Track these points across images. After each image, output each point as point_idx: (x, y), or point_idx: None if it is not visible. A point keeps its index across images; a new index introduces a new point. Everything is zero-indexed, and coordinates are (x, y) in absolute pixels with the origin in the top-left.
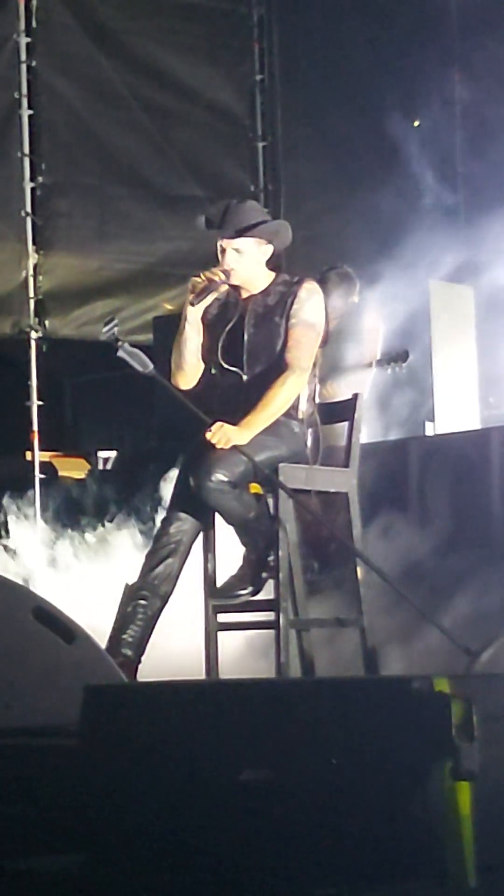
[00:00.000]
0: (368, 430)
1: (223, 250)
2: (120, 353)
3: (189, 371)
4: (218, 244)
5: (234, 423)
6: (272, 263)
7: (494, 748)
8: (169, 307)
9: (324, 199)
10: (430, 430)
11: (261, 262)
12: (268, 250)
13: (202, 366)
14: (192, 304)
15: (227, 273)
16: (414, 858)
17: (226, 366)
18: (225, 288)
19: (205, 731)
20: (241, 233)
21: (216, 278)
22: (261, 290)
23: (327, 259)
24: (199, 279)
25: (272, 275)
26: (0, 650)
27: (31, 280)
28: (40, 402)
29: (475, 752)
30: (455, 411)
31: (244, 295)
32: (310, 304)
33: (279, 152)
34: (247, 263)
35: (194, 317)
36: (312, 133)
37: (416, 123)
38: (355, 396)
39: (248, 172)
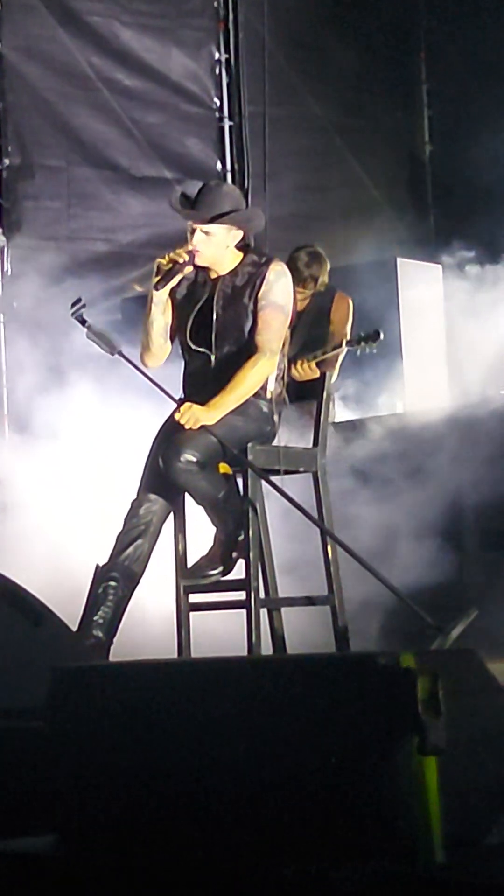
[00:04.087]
0: (340, 409)
1: (192, 230)
2: (87, 334)
3: (156, 351)
4: (188, 223)
5: (203, 404)
6: (241, 244)
7: (461, 723)
8: (138, 288)
9: (291, 180)
10: (399, 408)
11: (229, 245)
12: (237, 235)
13: (169, 346)
14: (157, 289)
15: (192, 254)
16: (381, 834)
17: (194, 347)
18: (190, 269)
19: (171, 710)
20: (214, 220)
21: (180, 259)
22: (228, 270)
23: (296, 239)
24: (163, 260)
25: (240, 255)
26: None
27: None
28: (9, 386)
29: (441, 728)
30: (424, 390)
31: (213, 275)
32: (278, 285)
33: (246, 132)
34: (214, 246)
35: (160, 298)
36: (279, 113)
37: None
38: (323, 376)
39: (215, 153)
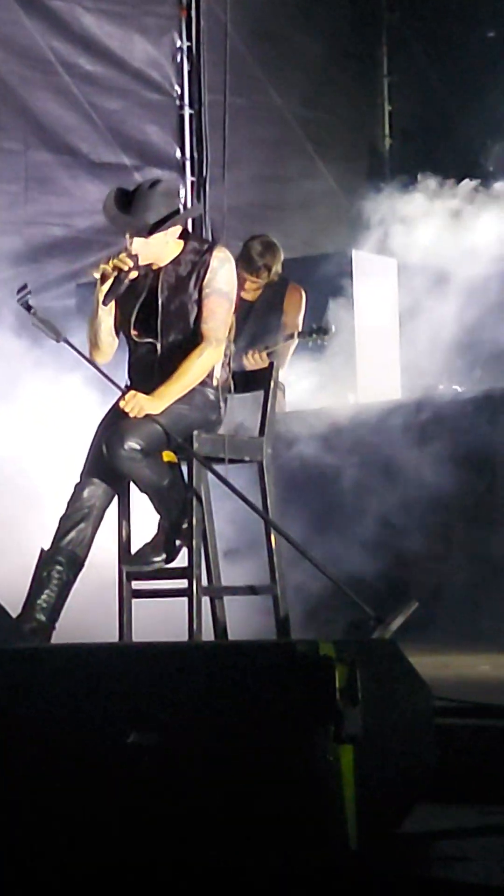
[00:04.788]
0: (291, 400)
1: (131, 239)
2: (32, 321)
3: (104, 349)
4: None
5: (149, 392)
6: (180, 233)
7: (378, 713)
8: (95, 275)
9: (250, 169)
10: (351, 400)
11: (168, 241)
12: (176, 230)
13: (116, 341)
14: (105, 303)
15: (135, 258)
16: (296, 822)
17: (139, 339)
18: (134, 274)
19: (92, 694)
20: (152, 233)
21: (124, 267)
22: (170, 259)
23: (254, 229)
24: (107, 267)
25: (180, 243)
26: None
27: None
28: None
29: (358, 717)
30: (377, 382)
31: (154, 266)
32: (222, 272)
33: (205, 121)
34: (155, 246)
35: (100, 296)
36: (239, 102)
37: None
38: (271, 366)
39: (175, 140)
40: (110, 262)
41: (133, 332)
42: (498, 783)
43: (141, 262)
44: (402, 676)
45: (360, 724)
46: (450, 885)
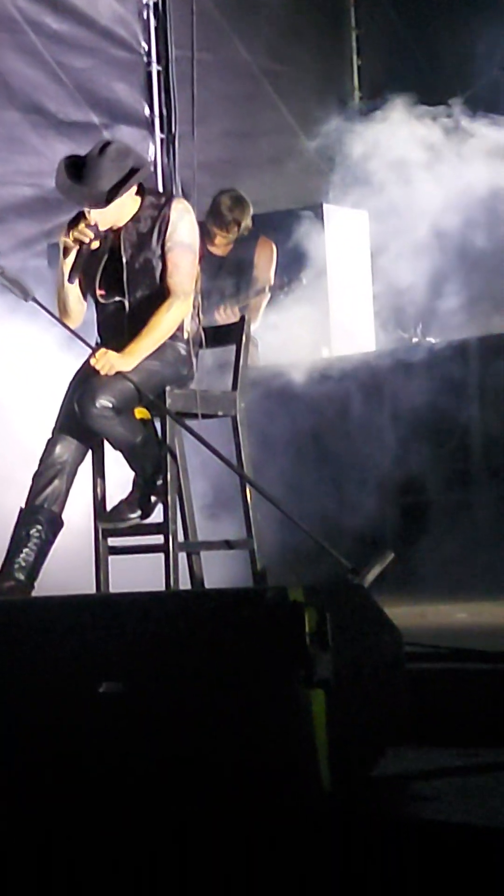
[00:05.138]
0: (264, 354)
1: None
2: (0, 281)
3: (74, 315)
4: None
5: (119, 350)
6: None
7: (349, 657)
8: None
9: (220, 125)
10: (325, 353)
11: (126, 201)
12: (132, 190)
13: (85, 305)
14: (71, 281)
15: (94, 228)
16: (268, 766)
17: (105, 300)
18: (97, 244)
19: (63, 645)
20: (110, 201)
21: (85, 239)
22: (130, 217)
23: (222, 184)
24: (68, 239)
25: (138, 199)
26: None
27: None
28: None
29: (329, 661)
30: (350, 335)
31: (115, 226)
32: (182, 224)
33: (173, 78)
34: (113, 210)
35: (66, 267)
36: (207, 58)
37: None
38: (243, 319)
39: (143, 98)
40: (71, 234)
41: (99, 293)
42: (469, 726)
43: (102, 228)
44: (373, 621)
45: (330, 669)
46: (423, 825)
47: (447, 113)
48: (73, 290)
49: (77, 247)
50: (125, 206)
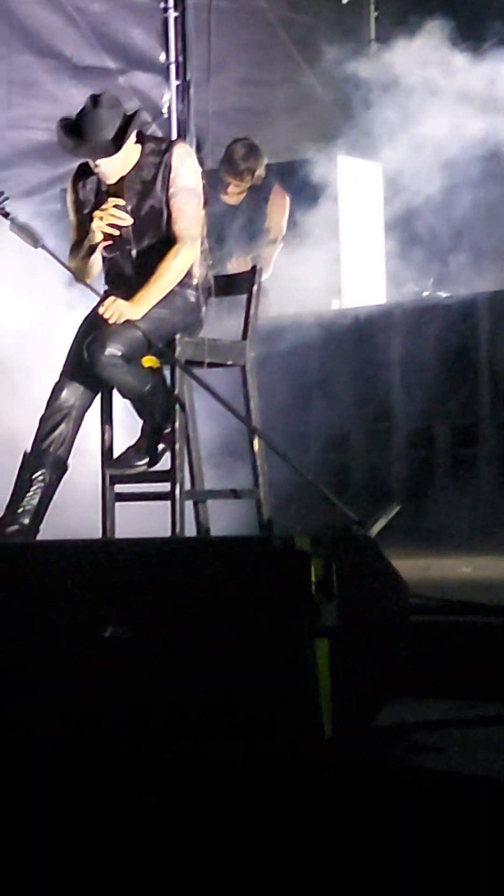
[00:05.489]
0: (273, 305)
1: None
2: (10, 227)
3: (90, 271)
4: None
5: (128, 298)
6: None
7: (354, 607)
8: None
9: (235, 74)
10: (335, 306)
11: (129, 148)
12: (133, 138)
13: (99, 262)
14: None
15: (124, 207)
16: (272, 713)
17: (111, 252)
18: (131, 220)
19: (71, 590)
20: (119, 148)
21: (123, 222)
22: (132, 166)
23: (237, 133)
24: (101, 224)
25: (138, 147)
26: None
27: None
28: None
29: (334, 610)
30: (361, 287)
31: (117, 177)
32: (184, 168)
33: (190, 24)
34: (119, 160)
35: (90, 241)
36: (224, 5)
37: (344, 1)
38: (254, 268)
39: (159, 44)
40: (103, 220)
41: (105, 243)
42: (471, 679)
43: (112, 181)
44: (378, 572)
45: (335, 618)
46: (422, 774)
47: (464, 61)
48: (99, 259)
49: (110, 230)
50: (128, 155)
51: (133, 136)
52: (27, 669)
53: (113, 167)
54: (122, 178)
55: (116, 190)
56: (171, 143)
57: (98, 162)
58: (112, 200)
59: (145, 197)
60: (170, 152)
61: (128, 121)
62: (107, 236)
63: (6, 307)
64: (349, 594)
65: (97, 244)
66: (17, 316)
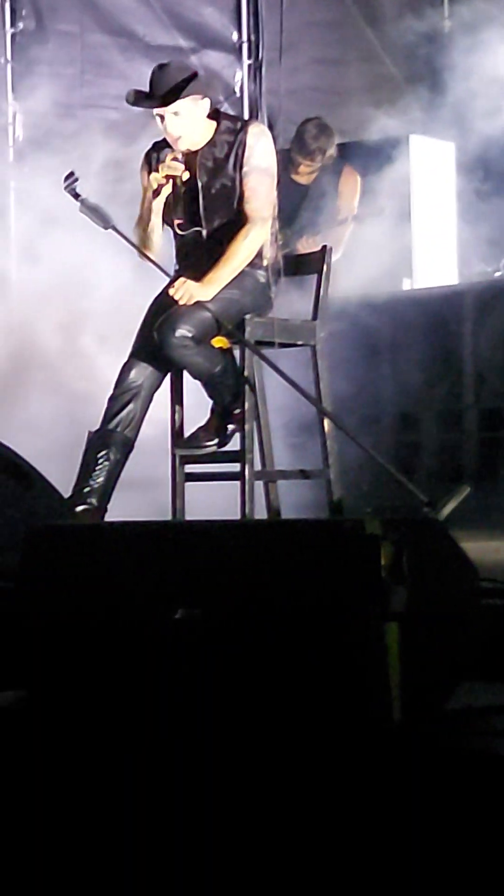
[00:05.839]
0: (344, 285)
1: (162, 118)
2: (80, 208)
3: (155, 247)
4: (156, 115)
5: (198, 278)
6: (211, 112)
7: (425, 590)
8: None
9: (307, 52)
10: (407, 286)
11: (201, 117)
12: (205, 105)
13: (160, 233)
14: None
15: (181, 159)
16: (341, 695)
17: (182, 231)
18: (187, 174)
19: (142, 571)
20: (172, 97)
21: (176, 172)
22: (206, 142)
23: (309, 112)
24: (157, 175)
25: (213, 124)
26: None
27: (10, 128)
28: (17, 251)
29: (404, 594)
30: (433, 268)
31: (189, 151)
32: (259, 147)
33: (262, 3)
34: (189, 124)
35: (158, 206)
36: None
37: None
38: (324, 248)
39: (232, 23)
40: (160, 170)
41: (177, 222)
42: None
43: (182, 147)
44: (449, 556)
45: (405, 602)
46: (491, 758)
47: None
48: (156, 222)
49: (168, 183)
50: (199, 127)
51: (206, 110)
52: (97, 651)
53: (180, 131)
54: (195, 153)
55: (189, 164)
56: (246, 122)
57: (168, 127)
58: (170, 153)
59: (217, 174)
60: (245, 131)
61: (190, 77)
62: (180, 216)
63: (75, 285)
64: (419, 578)
65: (154, 211)
66: (86, 293)
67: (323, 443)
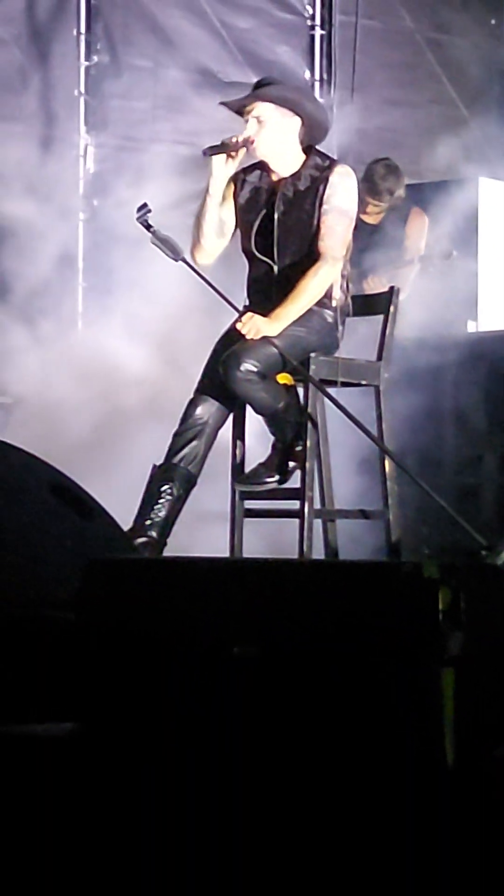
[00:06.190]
0: (409, 326)
1: (246, 121)
2: (151, 240)
3: (207, 246)
4: (244, 116)
5: (266, 312)
6: (304, 144)
7: (480, 636)
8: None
9: (378, 93)
10: (472, 328)
11: (285, 133)
12: (294, 123)
13: (222, 244)
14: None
15: (248, 141)
16: (394, 738)
17: (258, 254)
18: (243, 152)
19: (199, 606)
20: (257, 95)
21: (234, 139)
22: (291, 172)
23: (379, 152)
24: (215, 145)
25: (303, 157)
26: (16, 526)
27: (81, 160)
28: (85, 284)
29: (460, 639)
30: (498, 311)
31: (274, 178)
32: (342, 188)
33: (336, 42)
34: (270, 134)
35: (216, 189)
36: (371, 25)
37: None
38: (391, 289)
39: (305, 62)
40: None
41: (252, 248)
42: None
43: (256, 153)
44: None
45: (461, 647)
46: None
47: None
48: (213, 215)
49: (226, 157)
50: (286, 153)
51: (295, 128)
52: (153, 685)
53: (260, 136)
54: (277, 182)
55: (273, 188)
56: (334, 162)
57: (248, 129)
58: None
59: (294, 207)
60: (332, 169)
61: (289, 86)
62: (256, 245)
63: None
64: (476, 623)
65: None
66: (154, 321)
67: (383, 483)
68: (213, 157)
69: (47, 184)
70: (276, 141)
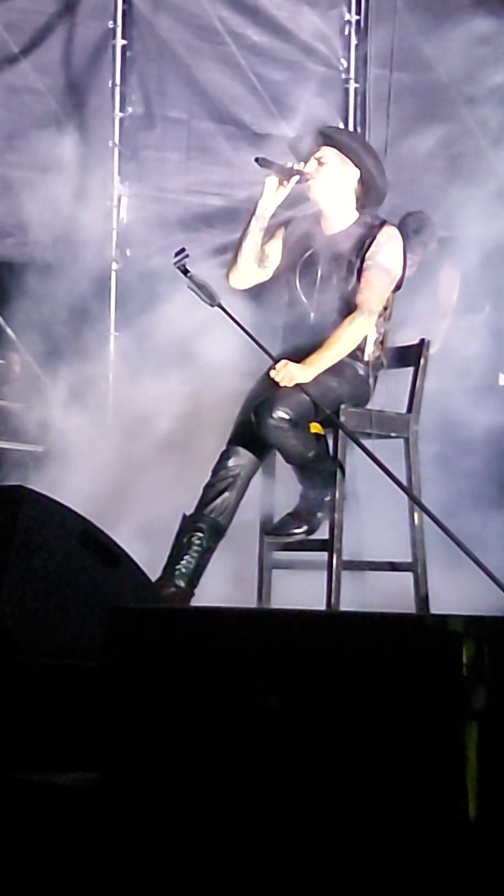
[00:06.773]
0: (439, 379)
1: (306, 161)
2: (188, 285)
3: (242, 269)
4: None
5: (299, 357)
6: (359, 202)
7: (502, 688)
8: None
9: (412, 146)
10: (501, 381)
11: (342, 181)
12: (353, 175)
13: (258, 272)
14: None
15: (302, 173)
16: (417, 791)
17: (298, 295)
18: (294, 181)
19: (224, 657)
20: (333, 136)
21: (291, 164)
22: (343, 228)
23: (410, 206)
24: (272, 180)
25: (356, 214)
26: (42, 574)
27: (114, 211)
28: (117, 334)
29: (484, 693)
30: None
31: (325, 229)
32: (388, 247)
33: (370, 95)
34: (328, 177)
35: (262, 210)
36: (405, 78)
37: None
38: (422, 342)
39: (339, 114)
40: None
41: (294, 288)
42: None
43: (310, 193)
44: None
45: (485, 701)
46: None
47: None
48: (254, 238)
49: (278, 183)
50: (339, 205)
51: (353, 181)
52: (175, 736)
53: (317, 175)
54: (327, 235)
55: (322, 238)
56: (385, 222)
57: (307, 166)
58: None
59: (339, 259)
60: (380, 228)
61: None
62: (298, 287)
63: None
64: (500, 677)
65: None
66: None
67: (412, 535)
68: (266, 180)
69: (81, 233)
70: (332, 187)
